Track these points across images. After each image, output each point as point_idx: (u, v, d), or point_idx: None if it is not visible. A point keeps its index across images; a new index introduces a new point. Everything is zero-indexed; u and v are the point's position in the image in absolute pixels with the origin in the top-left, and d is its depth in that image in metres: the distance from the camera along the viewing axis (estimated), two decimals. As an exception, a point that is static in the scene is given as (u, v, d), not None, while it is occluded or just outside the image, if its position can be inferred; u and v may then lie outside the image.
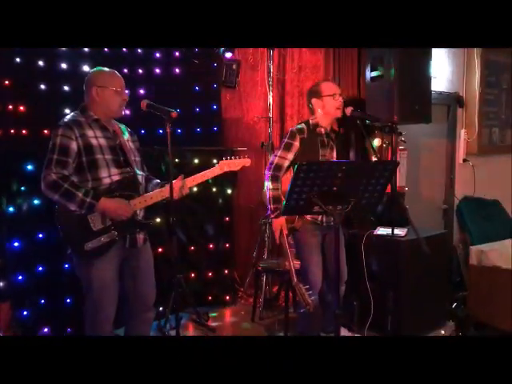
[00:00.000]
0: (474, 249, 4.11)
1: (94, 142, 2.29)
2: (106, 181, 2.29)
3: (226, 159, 2.57)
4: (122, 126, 2.53)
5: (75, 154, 2.25)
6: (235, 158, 2.58)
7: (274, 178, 2.87)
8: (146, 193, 2.45)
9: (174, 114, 2.27)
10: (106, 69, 2.43)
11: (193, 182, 2.51)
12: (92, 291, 2.30)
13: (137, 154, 2.52)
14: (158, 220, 3.60)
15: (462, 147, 4.75)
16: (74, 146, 2.24)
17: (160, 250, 3.61)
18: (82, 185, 2.25)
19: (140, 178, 2.45)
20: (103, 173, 2.29)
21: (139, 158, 2.53)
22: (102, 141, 2.33)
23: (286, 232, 2.85)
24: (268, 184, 2.88)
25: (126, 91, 2.42)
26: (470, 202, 4.74)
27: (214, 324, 3.70)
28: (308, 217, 2.87)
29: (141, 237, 2.44)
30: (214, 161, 3.89)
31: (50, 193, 2.19)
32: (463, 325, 3.68)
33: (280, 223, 2.85)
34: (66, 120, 2.31)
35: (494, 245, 4.17)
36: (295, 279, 2.67)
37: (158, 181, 2.58)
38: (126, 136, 2.50)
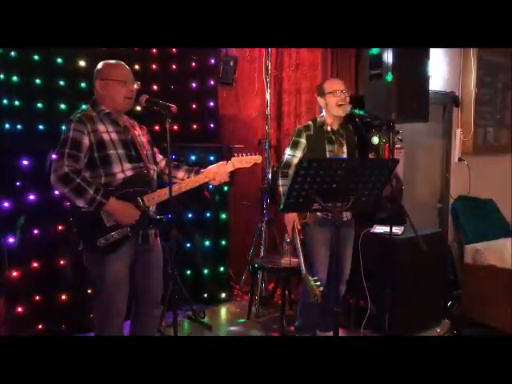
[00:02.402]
0: (468, 247, 4.14)
1: (105, 137, 2.27)
2: (120, 176, 2.27)
3: (238, 156, 2.50)
4: (132, 121, 2.52)
5: (87, 149, 2.22)
6: (247, 155, 2.51)
7: (284, 175, 2.94)
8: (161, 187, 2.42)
9: (174, 108, 2.23)
10: (112, 61, 2.38)
11: (205, 179, 2.46)
12: (104, 286, 2.28)
13: (148, 147, 2.49)
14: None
15: (457, 147, 4.77)
16: (86, 140, 2.22)
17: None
18: (94, 180, 2.22)
19: (152, 172, 2.43)
20: (116, 168, 2.26)
21: (151, 151, 2.50)
22: (114, 135, 2.30)
23: (298, 227, 2.88)
24: (279, 181, 2.96)
25: (136, 83, 2.37)
26: (464, 201, 4.76)
27: (209, 321, 3.68)
28: (319, 212, 2.87)
29: (152, 232, 2.42)
30: (212, 157, 3.90)
31: (61, 185, 2.16)
32: (458, 323, 3.69)
33: (292, 217, 2.88)
34: (78, 115, 2.27)
35: (489, 244, 4.20)
36: (304, 271, 2.71)
37: (186, 167, 2.55)
38: (137, 130, 2.48)
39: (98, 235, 2.23)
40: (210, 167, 2.48)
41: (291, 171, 2.93)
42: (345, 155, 3.00)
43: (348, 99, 2.92)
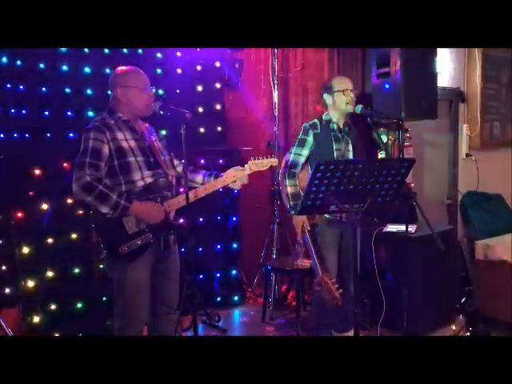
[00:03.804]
0: (479, 243, 4.12)
1: (124, 144, 2.27)
2: (140, 183, 2.28)
3: (255, 159, 2.50)
4: (149, 126, 2.52)
5: (107, 157, 2.24)
6: (263, 158, 2.51)
7: (291, 175, 2.88)
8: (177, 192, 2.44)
9: (189, 115, 2.25)
10: (127, 67, 2.38)
11: (223, 183, 2.47)
12: (126, 293, 2.29)
13: (165, 152, 2.50)
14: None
15: (464, 142, 4.76)
16: (106, 149, 2.22)
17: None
18: (115, 188, 2.23)
19: (171, 178, 2.43)
20: (136, 175, 2.27)
21: (168, 156, 2.51)
22: (133, 143, 2.30)
23: (308, 228, 2.85)
24: (285, 181, 2.88)
25: (150, 88, 2.37)
26: (473, 196, 4.75)
27: (223, 325, 3.68)
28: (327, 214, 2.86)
29: (171, 238, 2.43)
30: (221, 160, 3.90)
31: (84, 194, 2.16)
32: (472, 320, 3.69)
33: (301, 220, 2.85)
34: (96, 123, 2.27)
35: (500, 239, 4.19)
36: (320, 273, 2.67)
37: (205, 172, 2.56)
38: (153, 136, 2.49)
39: (121, 242, 2.24)
40: (227, 171, 2.48)
41: (298, 170, 2.90)
42: (350, 153, 3.00)
43: (355, 98, 2.91)
